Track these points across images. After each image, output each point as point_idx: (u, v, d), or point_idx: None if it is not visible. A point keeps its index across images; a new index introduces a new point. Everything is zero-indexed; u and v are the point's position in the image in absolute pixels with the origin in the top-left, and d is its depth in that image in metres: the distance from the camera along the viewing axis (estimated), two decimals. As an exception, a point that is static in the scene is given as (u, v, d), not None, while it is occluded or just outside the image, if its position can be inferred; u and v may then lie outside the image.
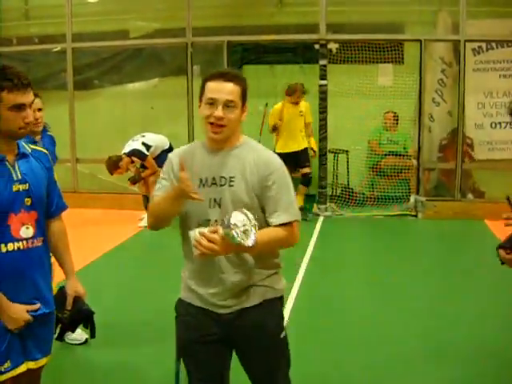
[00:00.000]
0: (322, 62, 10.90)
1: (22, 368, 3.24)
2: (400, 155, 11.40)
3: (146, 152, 9.90)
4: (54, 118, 6.06)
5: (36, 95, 5.65)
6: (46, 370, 3.50)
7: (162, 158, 10.26)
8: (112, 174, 9.92)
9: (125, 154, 9.88)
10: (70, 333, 4.00)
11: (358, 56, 10.97)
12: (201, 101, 3.12)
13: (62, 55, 12.02)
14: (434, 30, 11.27)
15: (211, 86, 3.08)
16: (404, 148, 11.50)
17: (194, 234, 2.90)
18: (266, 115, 12.15)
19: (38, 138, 5.76)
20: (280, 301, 3.31)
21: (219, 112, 3.03)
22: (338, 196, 11.51)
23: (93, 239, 8.82)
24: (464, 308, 6.54)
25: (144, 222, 10.23)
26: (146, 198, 10.45)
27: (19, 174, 3.16)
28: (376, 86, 11.10)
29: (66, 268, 3.50)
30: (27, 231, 3.17)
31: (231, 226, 2.80)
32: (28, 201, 3.17)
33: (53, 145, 6.04)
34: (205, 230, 2.89)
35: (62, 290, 3.50)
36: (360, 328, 5.99)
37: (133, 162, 9.97)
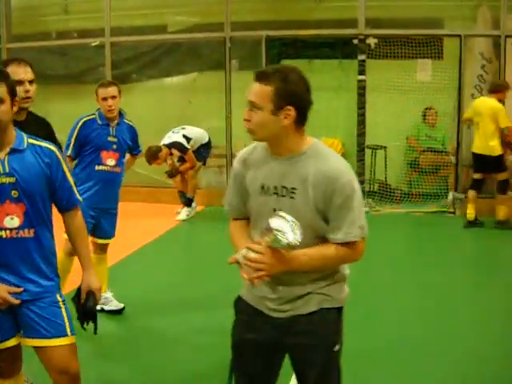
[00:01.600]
0: (361, 57, 10.83)
1: (13, 342, 3.36)
2: (438, 151, 11.31)
3: (186, 145, 9.92)
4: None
5: (113, 83, 5.76)
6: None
7: (200, 152, 10.28)
8: (150, 164, 9.95)
9: (164, 145, 9.90)
10: None
11: (396, 51, 10.89)
12: None
13: (100, 49, 12.11)
14: (473, 25, 11.13)
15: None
16: (442, 144, 11.40)
17: (240, 257, 2.78)
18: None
19: (113, 123, 5.75)
20: (338, 311, 3.13)
21: (244, 113, 2.87)
22: (376, 192, 11.46)
23: (130, 232, 8.86)
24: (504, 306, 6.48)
25: (181, 216, 10.27)
26: (182, 194, 10.47)
27: (7, 168, 3.23)
28: (415, 81, 11.00)
29: (82, 262, 3.54)
30: (12, 221, 3.24)
31: (274, 232, 2.65)
32: (15, 193, 3.24)
33: (129, 134, 5.97)
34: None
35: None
36: (397, 325, 5.96)
37: (171, 154, 9.99)
